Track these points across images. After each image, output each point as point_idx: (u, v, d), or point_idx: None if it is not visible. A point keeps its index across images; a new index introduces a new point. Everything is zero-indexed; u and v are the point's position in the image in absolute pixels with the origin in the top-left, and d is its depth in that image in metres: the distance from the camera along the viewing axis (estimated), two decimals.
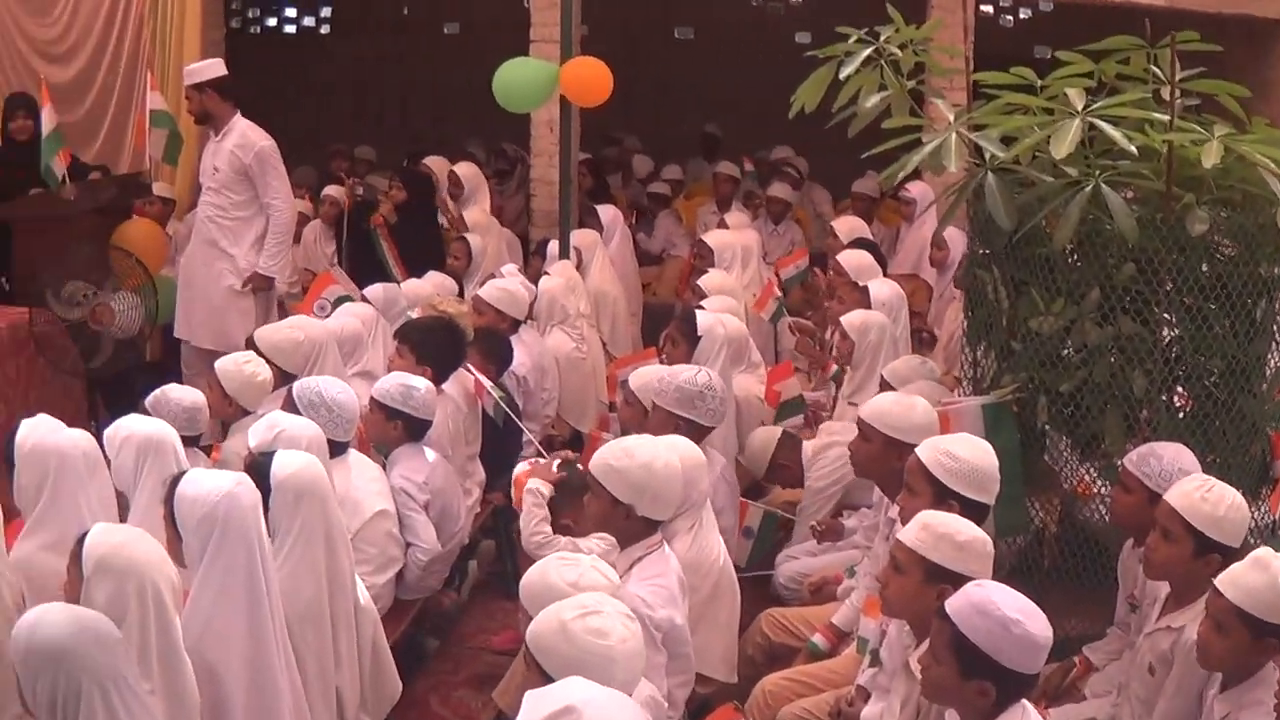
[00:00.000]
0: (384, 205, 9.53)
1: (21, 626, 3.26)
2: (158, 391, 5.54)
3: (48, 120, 8.34)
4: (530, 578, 3.76)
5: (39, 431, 4.49)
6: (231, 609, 3.85)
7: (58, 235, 7.87)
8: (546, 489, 4.89)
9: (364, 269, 9.10)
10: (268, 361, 6.06)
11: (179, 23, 10.05)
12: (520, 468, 5.26)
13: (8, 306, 7.81)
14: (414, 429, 5.63)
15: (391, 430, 5.62)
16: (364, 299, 7.48)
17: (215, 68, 8.08)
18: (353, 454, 5.40)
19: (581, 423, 7.74)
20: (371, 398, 5.67)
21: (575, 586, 3.62)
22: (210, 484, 3.96)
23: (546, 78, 8.04)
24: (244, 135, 7.83)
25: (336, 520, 4.37)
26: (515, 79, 8.01)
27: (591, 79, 8.04)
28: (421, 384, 5.66)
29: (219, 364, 5.96)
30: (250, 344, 6.35)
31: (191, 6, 10.01)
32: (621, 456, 4.33)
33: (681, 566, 4.43)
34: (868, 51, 4.81)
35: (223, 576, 3.85)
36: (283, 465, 4.24)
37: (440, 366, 6.13)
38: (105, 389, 7.90)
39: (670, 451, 4.45)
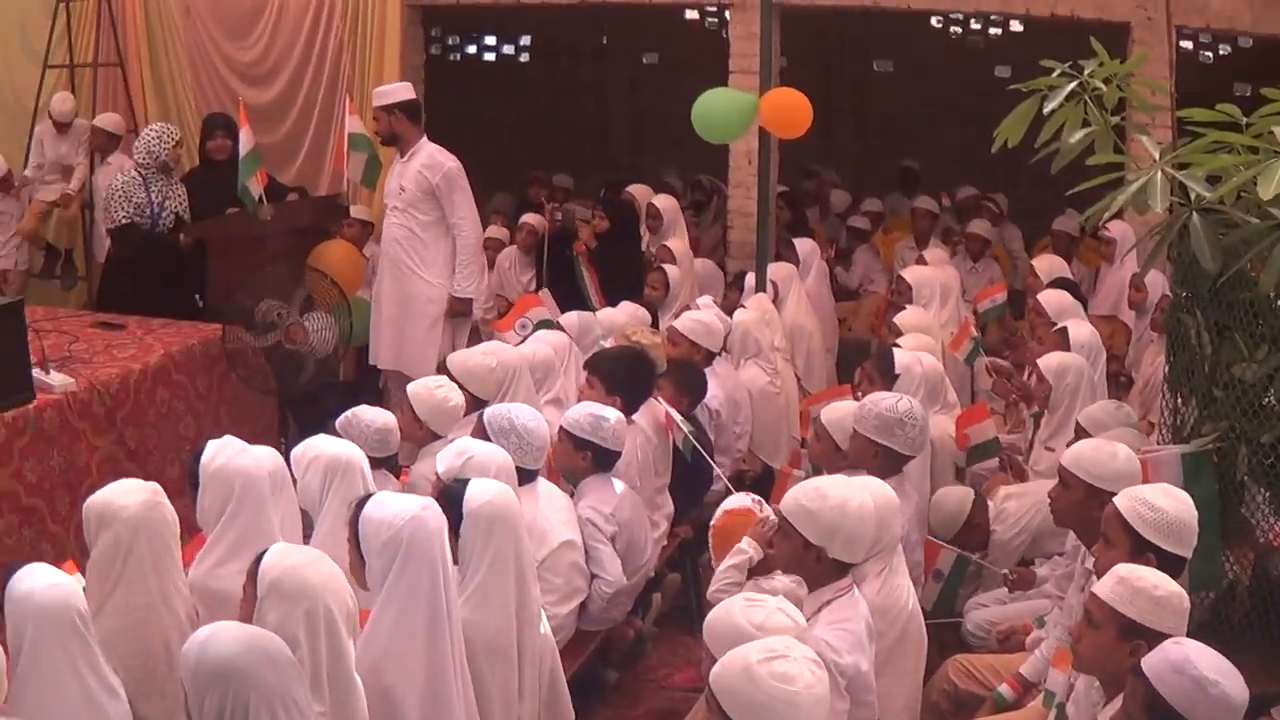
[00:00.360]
0: (585, 232, 9.65)
1: (193, 643, 3.35)
2: (349, 412, 5.66)
3: (245, 141, 8.51)
4: (715, 617, 3.76)
5: (226, 453, 4.62)
6: (411, 634, 3.90)
7: (253, 254, 8.12)
8: (757, 555, 4.80)
9: (563, 296, 9.22)
10: (460, 386, 6.18)
11: (378, 48, 10.28)
12: (721, 510, 5.22)
13: (202, 323, 8.07)
14: (603, 459, 5.66)
15: (580, 460, 5.66)
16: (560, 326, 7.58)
17: (404, 91, 8.33)
18: (541, 483, 5.46)
19: (774, 458, 7.69)
20: (561, 427, 5.72)
21: (760, 628, 3.62)
22: (397, 507, 4.03)
23: (745, 108, 8.04)
24: (431, 156, 8.05)
25: (527, 551, 4.42)
26: (714, 109, 8.03)
27: (791, 110, 8.02)
28: (612, 414, 5.70)
29: (411, 387, 6.09)
30: (443, 368, 6.47)
31: (391, 32, 10.22)
32: (815, 498, 4.30)
33: (870, 610, 4.39)
34: (1071, 86, 4.74)
35: (404, 601, 3.91)
36: (476, 494, 4.29)
37: (630, 397, 6.18)
38: (296, 407, 8.10)
39: (863, 493, 4.42)
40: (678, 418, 6.35)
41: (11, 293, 10.02)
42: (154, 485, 4.37)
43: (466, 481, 4.41)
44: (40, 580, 3.78)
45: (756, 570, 4.61)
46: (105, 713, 3.75)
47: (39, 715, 3.65)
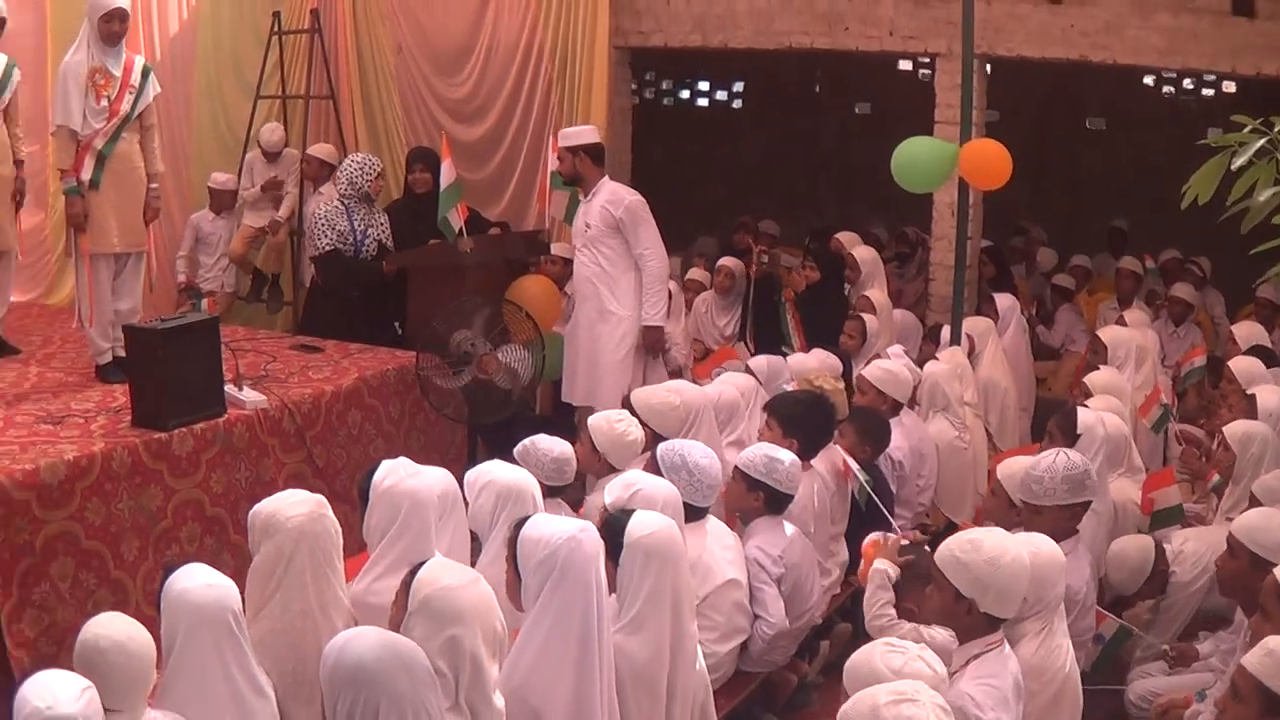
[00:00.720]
0: (795, 279, 9.73)
1: (334, 645, 3.48)
2: (527, 440, 5.80)
3: (446, 174, 8.80)
4: (855, 659, 3.81)
5: (397, 474, 4.78)
6: (560, 655, 3.96)
7: (452, 285, 8.41)
8: (893, 571, 4.89)
9: (765, 340, 9.32)
10: (642, 423, 6.29)
11: (586, 88, 10.44)
12: (869, 539, 5.29)
13: (399, 350, 8.34)
14: (775, 501, 5.71)
15: (752, 500, 5.71)
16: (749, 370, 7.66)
17: (589, 134, 8.57)
18: (711, 520, 5.51)
19: (957, 513, 7.65)
20: (735, 466, 5.78)
21: (898, 674, 3.66)
22: (555, 527, 4.11)
23: (945, 158, 8.06)
24: (613, 192, 8.27)
25: (686, 587, 4.44)
26: (914, 158, 8.06)
27: (990, 161, 8.00)
28: (787, 457, 5.73)
29: (592, 419, 6.21)
30: (627, 404, 6.60)
31: (599, 74, 10.37)
32: (968, 549, 4.28)
33: (1025, 670, 4.35)
34: (1261, 142, 4.67)
35: (555, 620, 3.98)
36: (639, 525, 4.35)
37: (807, 440, 6.22)
38: (488, 436, 8.29)
39: (1019, 547, 4.37)
40: (855, 466, 6.38)
41: (219, 314, 10.42)
42: (319, 498, 4.54)
43: (630, 512, 4.48)
44: (197, 580, 3.98)
45: (920, 617, 4.61)
46: (251, 710, 3.91)
47: (185, 708, 3.82)
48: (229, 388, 7.08)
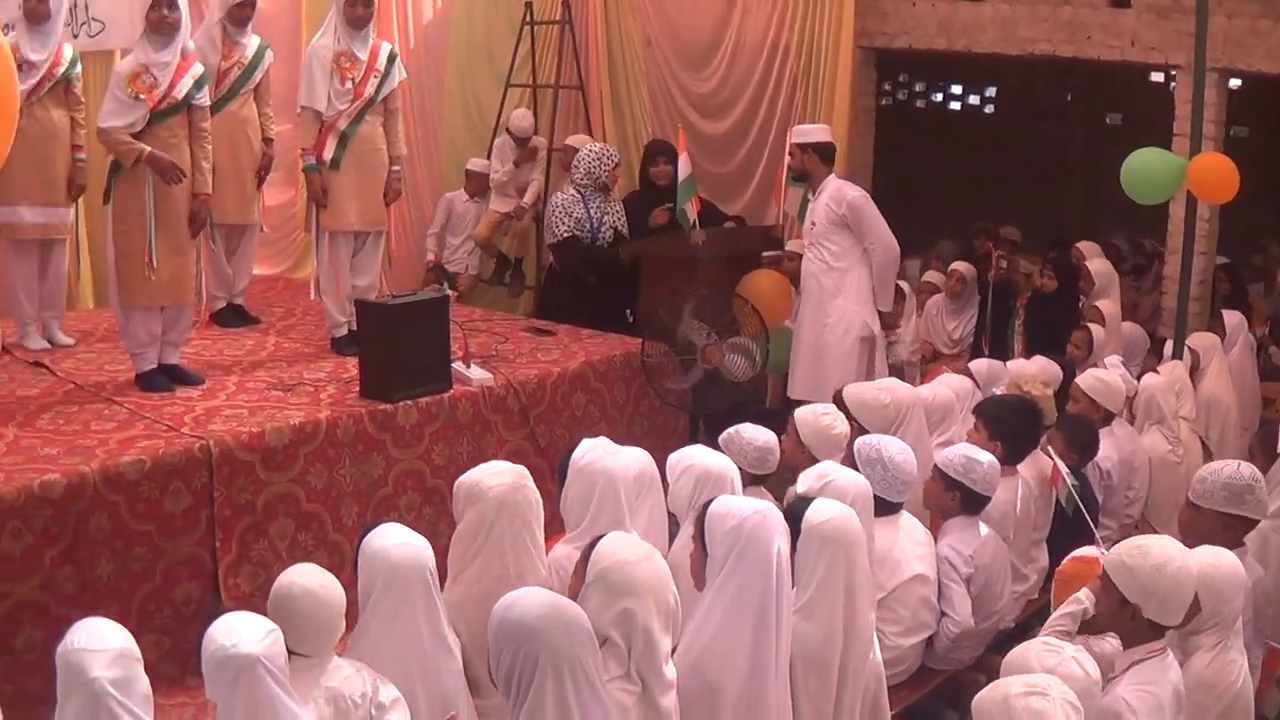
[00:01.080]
0: (1031, 286, 9.69)
1: (501, 603, 3.67)
2: (732, 429, 5.92)
3: (684, 167, 9.04)
4: (1013, 655, 3.91)
5: (596, 452, 5.01)
6: (738, 628, 4.07)
7: (683, 276, 8.59)
8: (1092, 608, 4.82)
9: (999, 345, 9.32)
10: (850, 417, 6.38)
11: (830, 89, 10.52)
12: (1069, 557, 5.21)
13: (628, 336, 8.56)
14: (971, 501, 5.75)
15: (949, 499, 5.77)
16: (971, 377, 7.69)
17: (821, 133, 8.70)
18: (905, 516, 5.59)
19: (1166, 527, 7.43)
20: (935, 465, 5.85)
21: (1051, 672, 3.71)
22: (742, 503, 4.27)
23: (1171, 170, 7.99)
24: (836, 189, 8.36)
25: (863, 575, 4.51)
26: (1142, 168, 8.02)
27: (1216, 176, 7.92)
28: (985, 458, 5.77)
29: (799, 412, 6.30)
30: (838, 398, 6.69)
31: (843, 75, 10.44)
32: (1135, 554, 4.27)
33: (1196, 683, 4.35)
34: None
35: (736, 593, 4.10)
36: (817, 511, 4.45)
37: (1011, 444, 6.25)
38: (711, 425, 8.45)
39: (1189, 558, 4.33)
40: (1065, 470, 6.37)
41: (461, 291, 10.82)
42: (521, 469, 4.77)
43: (811, 500, 4.60)
44: (394, 538, 4.25)
45: (1090, 625, 4.59)
46: (437, 667, 4.16)
47: (372, 659, 4.08)
48: (457, 365, 7.39)
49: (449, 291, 10.18)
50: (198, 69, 7.04)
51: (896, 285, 9.24)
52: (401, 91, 8.32)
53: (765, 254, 9.53)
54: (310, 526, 6.47)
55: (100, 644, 3.47)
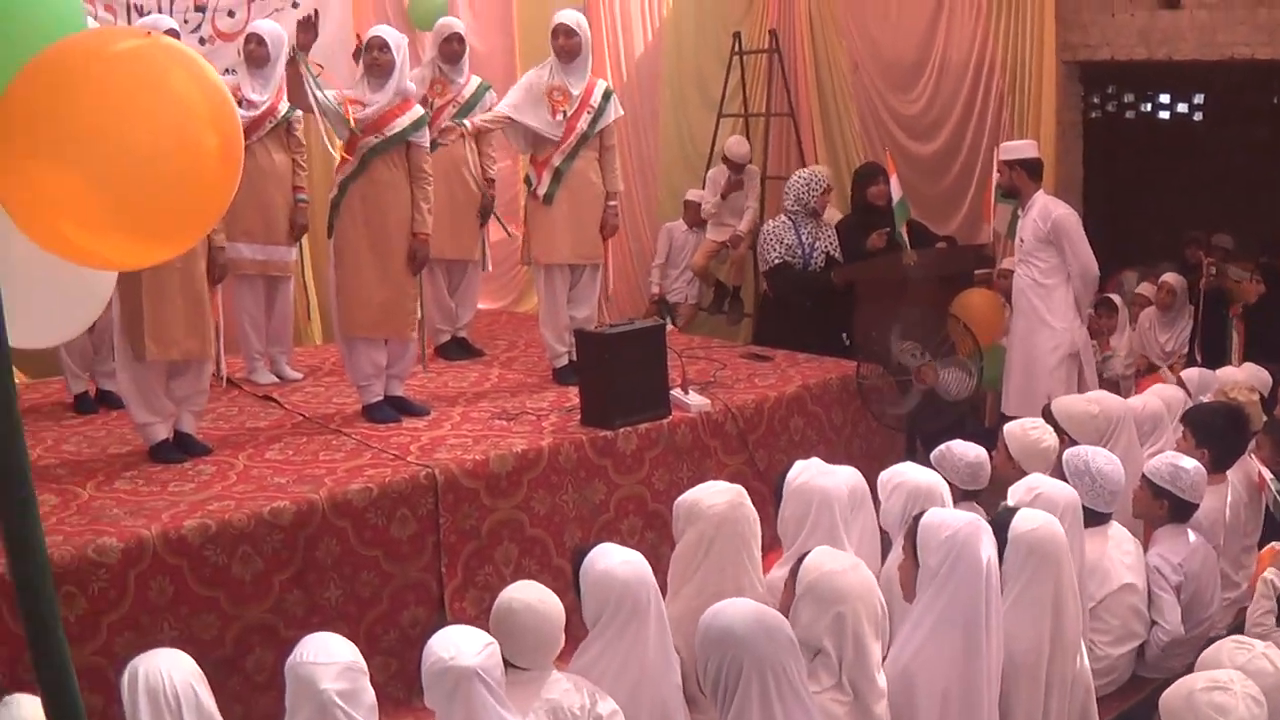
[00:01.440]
0: (1244, 291, 9.54)
1: (708, 612, 3.85)
2: (944, 445, 6.02)
3: (895, 189, 9.15)
4: (1206, 653, 3.95)
5: (809, 472, 5.17)
6: (949, 637, 4.20)
7: (897, 297, 8.69)
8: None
9: (1213, 354, 9.20)
10: (1060, 431, 6.40)
11: (1035, 103, 10.50)
12: (1268, 547, 5.24)
13: (844, 359, 8.66)
14: (1179, 509, 5.73)
15: (1157, 508, 5.76)
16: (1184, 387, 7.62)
17: (1028, 149, 8.74)
18: (1114, 526, 5.61)
19: None
20: (1143, 473, 5.85)
21: (1242, 669, 3.74)
22: (954, 515, 4.43)
23: None
24: (1044, 207, 8.37)
25: (1069, 584, 4.58)
26: None
27: None
28: (1191, 465, 5.76)
29: (1007, 427, 6.36)
30: (1047, 412, 6.71)
31: (1048, 89, 10.43)
32: None
33: None
34: None
35: (948, 603, 4.22)
36: (1022, 521, 4.57)
37: (1218, 452, 6.21)
38: (928, 445, 8.49)
39: None
40: (1269, 477, 6.31)
41: (680, 323, 11.06)
42: (739, 488, 4.97)
43: (1016, 509, 4.68)
44: (616, 557, 4.42)
45: None
46: (659, 680, 4.32)
47: (595, 671, 4.26)
48: (675, 391, 7.57)
49: (669, 324, 10.45)
50: (416, 111, 7.33)
51: (1109, 299, 9.35)
52: (618, 127, 8.55)
53: (978, 272, 9.57)
54: (534, 551, 6.69)
55: (328, 657, 3.72)
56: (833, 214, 10.24)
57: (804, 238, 9.37)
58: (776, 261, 9.37)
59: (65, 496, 6.04)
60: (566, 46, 8.11)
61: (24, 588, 2.18)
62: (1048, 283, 8.32)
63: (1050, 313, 8.32)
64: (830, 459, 5.57)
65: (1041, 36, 10.51)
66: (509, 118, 8.09)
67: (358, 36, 8.43)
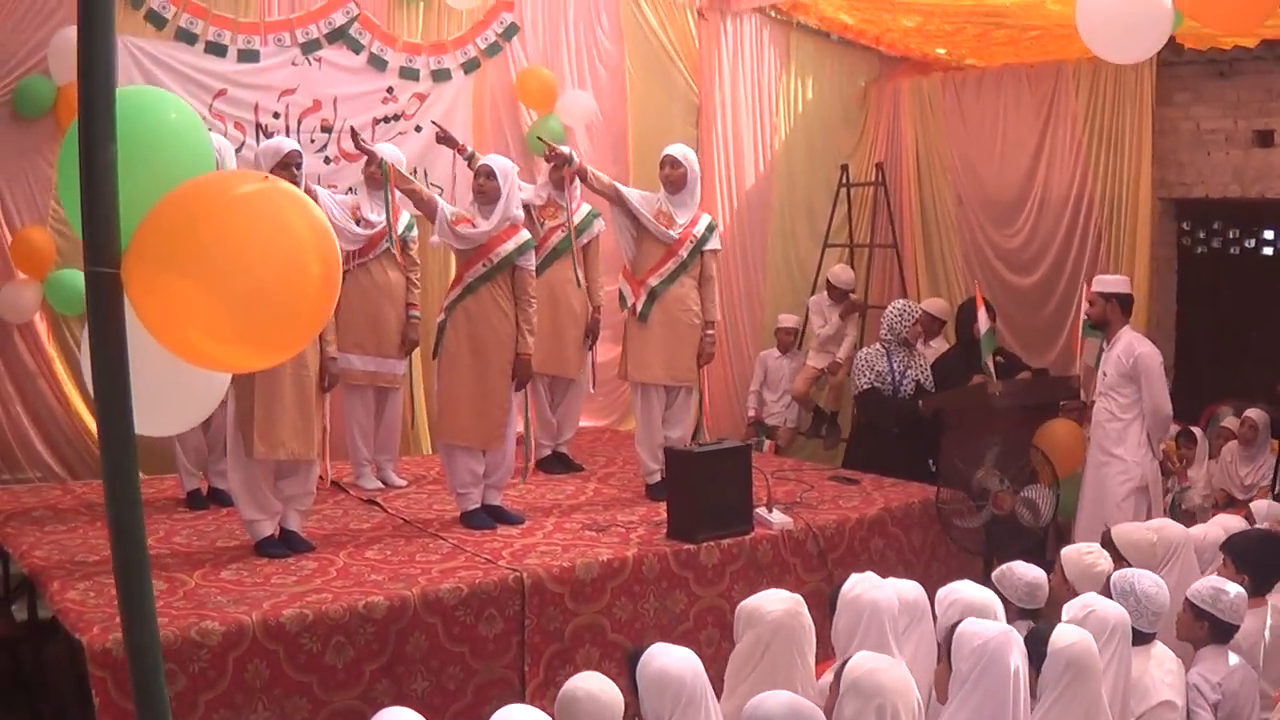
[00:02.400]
0: None
1: (750, 703, 4.27)
2: (1004, 566, 6.40)
3: (983, 321, 9.58)
4: None
5: (863, 585, 5.56)
6: None
7: (982, 426, 9.03)
8: None
9: None
10: (1118, 556, 6.73)
11: (1131, 239, 10.97)
12: None
13: (928, 485, 9.05)
14: (1219, 630, 5.97)
15: (1198, 629, 6.01)
16: None
17: (1122, 284, 9.10)
18: (1158, 646, 5.83)
19: None
20: (1186, 597, 6.10)
21: None
22: (988, 625, 4.79)
23: None
24: (1129, 343, 8.72)
25: (1097, 699, 4.87)
26: None
27: None
28: (1233, 589, 6.01)
29: (1065, 550, 6.68)
30: (1106, 537, 7.05)
31: (1143, 225, 10.90)
32: None
33: None
34: None
35: (978, 706, 4.56)
36: (1062, 636, 4.89)
37: (1257, 576, 6.45)
38: None
39: None
40: None
41: (780, 446, 11.52)
42: (797, 597, 5.36)
43: (1054, 625, 5.05)
44: (671, 656, 4.85)
45: None
46: None
47: None
48: (760, 510, 8.02)
49: (767, 444, 10.90)
50: (523, 235, 7.93)
51: (1190, 430, 9.70)
52: (723, 258, 9.05)
53: (1063, 403, 9.92)
54: (614, 655, 7.09)
55: None
56: (942, 344, 10.70)
57: (895, 365, 9.83)
58: (865, 387, 9.85)
59: (172, 584, 6.60)
60: (672, 177, 8.70)
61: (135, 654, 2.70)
62: (1125, 417, 8.67)
63: (1123, 446, 8.66)
64: (909, 579, 5.97)
65: (1138, 174, 10.99)
66: (620, 190, 8.67)
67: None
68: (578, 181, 9.08)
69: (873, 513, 8.53)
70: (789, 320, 11.96)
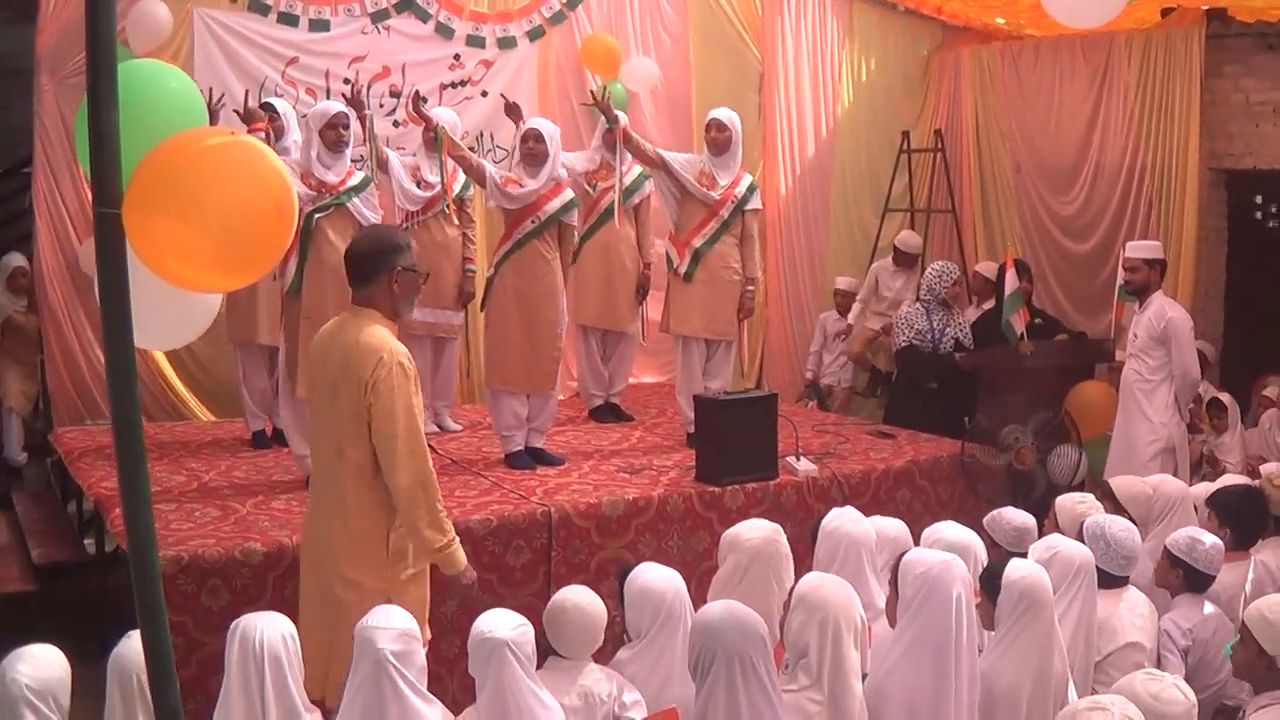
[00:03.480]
0: None
1: (700, 610, 4.78)
2: (995, 511, 6.80)
3: (1010, 282, 9.97)
4: (1120, 683, 4.68)
5: (841, 519, 6.08)
6: (919, 662, 4.86)
7: (1015, 385, 9.53)
8: None
9: None
10: (1118, 507, 7.01)
11: (1179, 208, 11.30)
12: None
13: (960, 440, 9.40)
14: (1194, 579, 6.23)
15: (1174, 577, 6.29)
16: None
17: (1158, 249, 9.36)
18: (1131, 590, 6.15)
19: None
20: (1164, 545, 6.42)
21: (1155, 698, 4.47)
22: (931, 554, 5.17)
23: None
24: (1160, 307, 9.01)
25: (1050, 630, 5.17)
26: None
27: None
28: (1209, 540, 6.26)
29: (1059, 499, 7.00)
30: (1106, 488, 7.36)
31: (1191, 195, 11.21)
32: (1276, 609, 5.00)
33: None
34: None
35: (920, 631, 4.89)
36: (1014, 569, 5.22)
37: (1240, 530, 6.72)
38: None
39: None
40: None
41: (834, 406, 12.02)
42: (775, 526, 5.82)
43: (1009, 559, 5.40)
44: (655, 574, 5.38)
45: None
46: (679, 684, 5.09)
47: (628, 669, 5.23)
48: (789, 458, 8.52)
49: (818, 406, 11.33)
50: (567, 194, 8.53)
51: (1218, 399, 9.99)
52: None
53: (1100, 365, 10.29)
54: None
55: (388, 623, 4.73)
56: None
57: (935, 324, 10.29)
58: (904, 344, 10.33)
59: (226, 511, 7.29)
60: (718, 140, 9.20)
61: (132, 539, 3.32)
62: (1153, 379, 8.95)
63: (1151, 408, 8.95)
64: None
65: (1186, 145, 11.27)
66: (664, 156, 9.16)
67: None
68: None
69: (900, 464, 8.96)
70: (845, 283, 12.37)
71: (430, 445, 8.84)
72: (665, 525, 7.84)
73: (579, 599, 5.23)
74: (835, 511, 6.12)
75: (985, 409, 9.46)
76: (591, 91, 9.88)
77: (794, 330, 12.86)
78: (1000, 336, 10.25)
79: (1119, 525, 6.18)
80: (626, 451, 9.09)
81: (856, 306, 12.19)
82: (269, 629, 4.73)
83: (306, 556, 5.94)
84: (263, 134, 7.64)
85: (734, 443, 8.17)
